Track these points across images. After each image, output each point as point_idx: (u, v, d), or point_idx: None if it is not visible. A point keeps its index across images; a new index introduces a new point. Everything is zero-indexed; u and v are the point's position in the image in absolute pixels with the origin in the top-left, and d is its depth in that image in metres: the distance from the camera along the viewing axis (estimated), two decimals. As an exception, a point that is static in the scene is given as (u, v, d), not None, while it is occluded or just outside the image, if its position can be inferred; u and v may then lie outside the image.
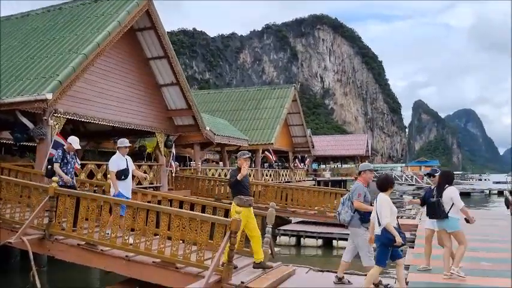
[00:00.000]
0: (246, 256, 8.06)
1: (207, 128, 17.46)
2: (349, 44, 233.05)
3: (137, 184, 14.24)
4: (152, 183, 15.16)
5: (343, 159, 56.28)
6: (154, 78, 15.47)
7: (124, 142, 8.70)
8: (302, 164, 35.25)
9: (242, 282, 6.38)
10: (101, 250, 7.48)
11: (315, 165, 53.98)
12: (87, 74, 12.04)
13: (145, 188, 13.87)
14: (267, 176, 27.14)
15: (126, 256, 7.21)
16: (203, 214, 7.73)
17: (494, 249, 9.46)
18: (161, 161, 15.92)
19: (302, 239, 14.51)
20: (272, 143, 25.98)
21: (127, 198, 8.31)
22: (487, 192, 47.74)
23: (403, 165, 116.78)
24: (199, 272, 6.69)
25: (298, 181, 31.85)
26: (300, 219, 16.46)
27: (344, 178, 48.47)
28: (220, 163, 27.30)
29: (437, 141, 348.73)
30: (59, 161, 8.55)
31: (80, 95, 12.03)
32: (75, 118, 11.93)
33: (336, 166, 56.07)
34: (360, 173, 7.02)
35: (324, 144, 53.45)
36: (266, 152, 27.14)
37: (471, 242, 8.11)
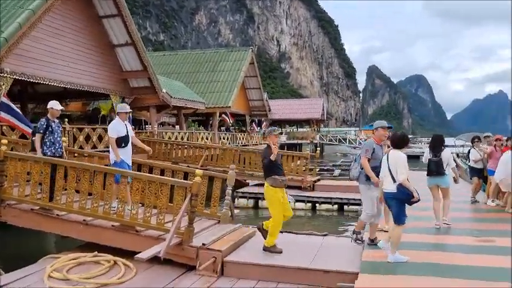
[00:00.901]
0: (206, 218, 8.07)
1: (164, 91, 17.08)
2: (306, 8, 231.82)
3: (92, 148, 13.85)
4: (108, 147, 14.75)
5: (299, 123, 56.86)
6: (108, 37, 14.83)
7: (125, 107, 8.31)
8: (259, 128, 35.36)
9: (203, 244, 6.39)
10: (57, 215, 7.27)
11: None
12: (35, 31, 11.38)
13: (102, 151, 13.50)
14: (224, 139, 27.07)
15: (84, 220, 7.05)
16: (163, 177, 7.62)
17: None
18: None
19: (260, 201, 14.67)
20: (229, 106, 25.80)
21: (128, 166, 7.96)
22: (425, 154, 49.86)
23: (357, 129, 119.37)
24: (160, 235, 6.65)
25: (255, 144, 32.00)
26: (257, 182, 16.60)
27: (300, 141, 49.15)
28: (177, 126, 26.93)
29: (389, 105, 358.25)
30: (41, 131, 7.85)
31: (27, 54, 11.38)
32: (23, 78, 11.31)
33: (292, 130, 56.63)
34: (373, 130, 6.98)
35: (280, 108, 53.66)
36: (223, 115, 26.99)
37: (426, 202, 8.44)
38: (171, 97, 18.22)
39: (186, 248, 6.39)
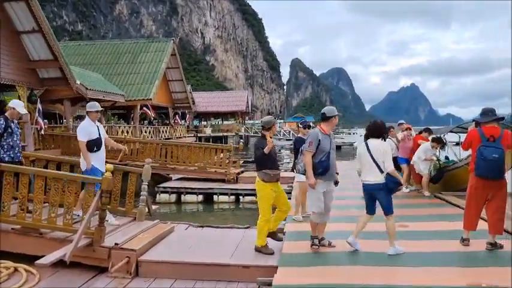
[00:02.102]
0: (121, 216, 7.61)
1: (78, 82, 16.07)
2: (230, 0, 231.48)
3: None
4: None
5: (225, 115, 56.71)
6: (12, 23, 13.63)
7: (95, 106, 7.35)
8: (183, 121, 34.69)
9: (116, 244, 5.97)
10: None
11: (196, 122, 53.72)
12: None
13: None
14: (145, 133, 26.20)
15: (-22, 224, 6.34)
16: (70, 173, 7.05)
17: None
18: (25, 118, 14.30)
19: (182, 195, 14.30)
20: (151, 99, 24.94)
21: (101, 172, 6.96)
22: (355, 144, 51.84)
23: (282, 121, 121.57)
24: (67, 237, 6.12)
25: (179, 137, 31.34)
26: (181, 176, 16.19)
27: (225, 134, 48.97)
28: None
29: (312, 98, 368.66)
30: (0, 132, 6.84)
31: None
32: None
33: (217, 122, 56.37)
34: (327, 118, 5.91)
35: (205, 100, 53.21)
36: (144, 108, 26.07)
37: (344, 192, 8.54)
38: (87, 89, 17.20)
39: (97, 249, 5.93)
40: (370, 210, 5.85)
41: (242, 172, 16.13)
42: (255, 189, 13.55)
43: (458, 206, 8.82)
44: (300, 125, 8.38)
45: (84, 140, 7.00)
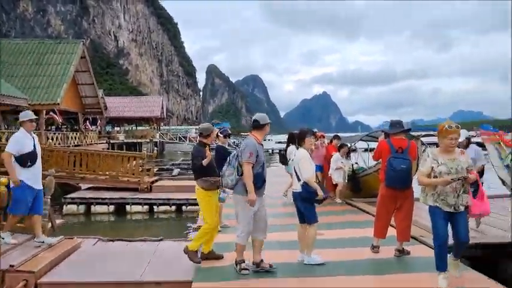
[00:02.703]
0: (19, 233, 6.93)
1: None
2: (145, 3, 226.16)
3: None
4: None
5: (139, 121, 55.06)
6: None
7: (28, 114, 6.45)
8: (93, 126, 33.13)
9: (11, 266, 5.39)
10: None
11: (109, 128, 51.61)
12: None
13: None
14: (53, 139, 24.59)
15: None
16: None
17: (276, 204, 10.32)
18: None
19: (92, 206, 13.48)
20: (58, 103, 23.49)
21: (37, 191, 6.31)
22: (271, 151, 52.63)
23: (198, 127, 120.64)
24: (-48, 260, 5.43)
25: (90, 144, 29.85)
26: (91, 185, 15.31)
27: (139, 140, 47.48)
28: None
29: (228, 104, 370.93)
30: None
31: None
32: None
33: (131, 128, 54.54)
34: (260, 126, 5.38)
35: (118, 105, 51.30)
36: (51, 113, 24.51)
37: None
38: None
39: (-12, 273, 5.31)
40: (299, 219, 5.80)
41: (156, 181, 15.63)
42: (169, 199, 13.29)
43: (368, 213, 9.16)
44: (219, 134, 8.17)
45: (12, 151, 6.21)
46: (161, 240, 7.88)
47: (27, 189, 6.21)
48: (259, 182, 5.22)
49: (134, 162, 15.10)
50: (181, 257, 6.41)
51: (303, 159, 5.61)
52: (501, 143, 7.81)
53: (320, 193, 5.44)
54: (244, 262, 5.37)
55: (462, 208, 4.63)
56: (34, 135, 6.61)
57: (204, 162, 5.61)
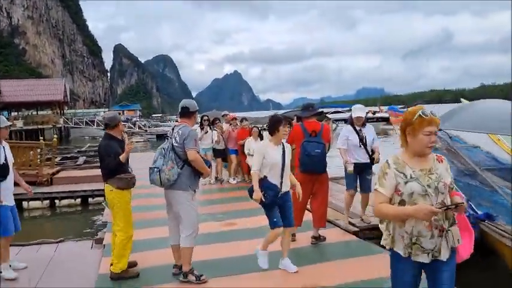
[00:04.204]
0: None
1: None
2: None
3: None
4: None
5: (39, 105, 51.16)
6: None
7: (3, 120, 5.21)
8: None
9: None
10: None
11: (5, 114, 47.48)
12: None
13: None
14: None
15: None
16: None
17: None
18: None
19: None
20: None
21: (10, 208, 5.28)
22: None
23: (106, 110, 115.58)
24: None
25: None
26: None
27: (41, 127, 44.22)
28: None
29: (138, 85, 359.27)
30: None
31: None
32: None
33: (30, 113, 50.58)
34: (190, 114, 4.81)
35: (15, 89, 47.20)
36: None
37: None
38: None
39: None
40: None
41: (58, 172, 14.40)
42: (74, 191, 12.28)
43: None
44: None
45: None
46: (62, 241, 7.18)
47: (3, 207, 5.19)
48: (197, 175, 4.73)
49: (31, 152, 13.71)
50: (83, 260, 5.84)
51: (255, 150, 5.06)
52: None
53: (256, 196, 4.64)
54: (193, 270, 4.71)
55: (447, 254, 2.67)
56: (4, 144, 5.42)
57: (122, 157, 4.87)
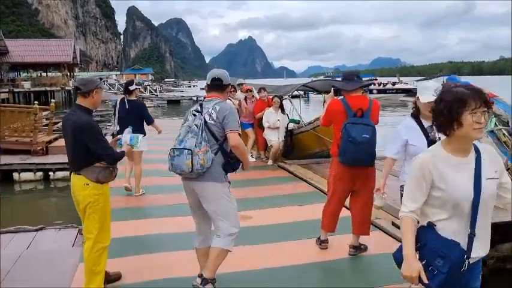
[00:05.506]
0: None
1: None
2: None
3: None
4: None
5: (47, 66, 49.74)
6: None
7: None
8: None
9: None
10: None
11: (13, 74, 46.35)
12: None
13: None
14: None
15: None
16: None
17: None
18: None
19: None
20: None
21: None
22: (195, 98, 50.25)
23: (119, 73, 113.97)
24: None
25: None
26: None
27: (49, 88, 42.98)
28: None
29: (151, 49, 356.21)
30: None
31: None
32: None
33: (39, 75, 49.30)
34: (223, 87, 3.70)
35: (23, 49, 45.67)
36: None
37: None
38: None
39: None
40: None
41: (55, 139, 13.13)
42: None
43: (305, 181, 7.71)
44: None
45: None
46: (41, 228, 6.00)
47: None
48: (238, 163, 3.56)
49: (36, 116, 12.29)
50: (64, 253, 4.70)
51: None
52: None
53: (410, 271, 1.99)
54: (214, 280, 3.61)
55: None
56: None
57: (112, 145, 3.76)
